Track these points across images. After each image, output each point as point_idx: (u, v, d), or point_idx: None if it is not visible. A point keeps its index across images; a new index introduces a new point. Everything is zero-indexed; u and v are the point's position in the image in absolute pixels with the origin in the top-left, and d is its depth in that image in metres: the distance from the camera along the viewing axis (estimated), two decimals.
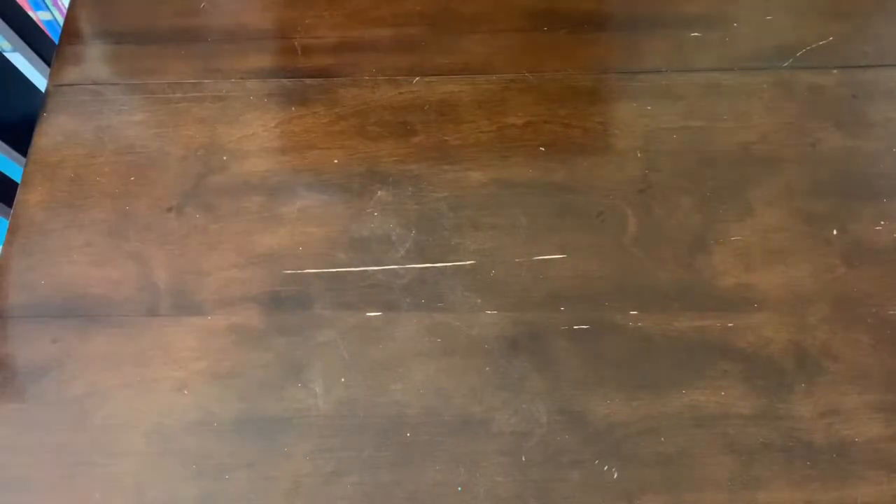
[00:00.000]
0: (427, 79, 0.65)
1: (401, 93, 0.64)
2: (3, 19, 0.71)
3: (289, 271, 0.57)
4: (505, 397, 0.52)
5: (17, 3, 0.74)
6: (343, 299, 0.56)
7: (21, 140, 0.68)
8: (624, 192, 0.59)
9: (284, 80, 0.65)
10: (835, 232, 0.58)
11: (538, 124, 0.63)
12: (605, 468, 0.50)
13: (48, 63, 0.73)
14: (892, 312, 0.54)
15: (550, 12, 0.68)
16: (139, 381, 0.54)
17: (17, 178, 0.64)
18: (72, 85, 0.66)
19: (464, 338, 0.54)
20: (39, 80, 0.73)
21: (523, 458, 0.50)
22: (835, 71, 0.64)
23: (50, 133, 0.64)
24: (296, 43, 0.67)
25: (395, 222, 0.59)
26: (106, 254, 0.58)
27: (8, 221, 0.61)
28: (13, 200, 0.61)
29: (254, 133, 0.63)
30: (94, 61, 0.67)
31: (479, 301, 0.55)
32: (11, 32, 0.72)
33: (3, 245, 0.59)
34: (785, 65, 0.65)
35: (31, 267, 0.58)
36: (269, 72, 0.66)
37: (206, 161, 0.62)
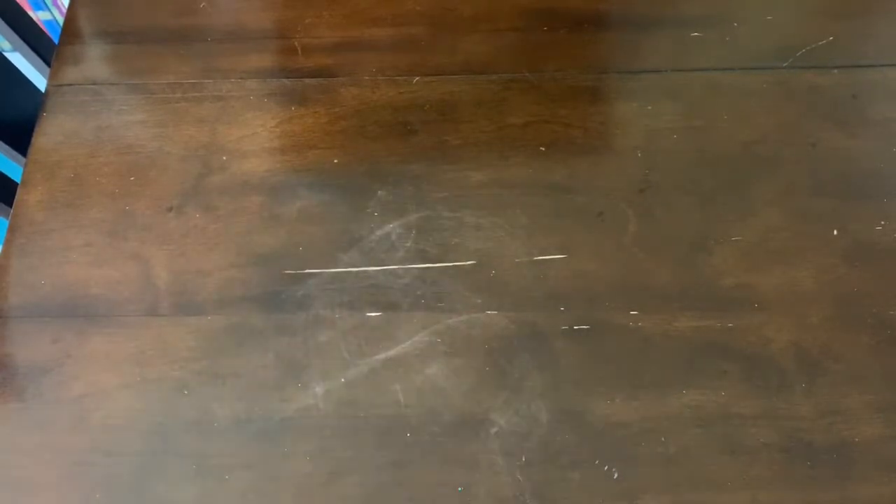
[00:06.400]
0: (427, 79, 0.65)
1: (401, 93, 0.64)
2: (3, 19, 0.71)
3: (289, 271, 0.57)
4: (505, 397, 0.52)
5: (17, 3, 0.74)
6: (343, 299, 0.56)
7: (21, 140, 0.68)
8: (624, 192, 0.59)
9: (284, 80, 0.65)
10: (835, 232, 0.58)
11: (538, 124, 0.62)
12: (606, 468, 0.50)
13: (48, 63, 0.73)
14: (892, 312, 0.54)
15: (550, 12, 0.68)
16: (139, 381, 0.54)
17: (17, 178, 0.64)
18: (71, 85, 0.66)
19: (464, 338, 0.54)
20: (39, 80, 0.73)
21: (523, 458, 0.50)
22: (835, 71, 0.64)
23: (50, 133, 0.64)
24: (296, 43, 0.67)
25: (395, 222, 0.59)
26: (106, 254, 0.58)
27: (8, 221, 0.61)
28: (13, 200, 0.61)
29: (254, 133, 0.63)
30: (93, 61, 0.67)
31: (479, 301, 0.55)
32: (11, 32, 0.72)
33: (3, 245, 0.59)
34: (785, 65, 0.65)
35: (31, 267, 0.58)
36: (269, 72, 0.66)
37: (206, 161, 0.62)
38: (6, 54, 0.73)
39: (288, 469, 0.51)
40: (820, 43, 0.66)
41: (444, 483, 0.50)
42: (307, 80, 0.65)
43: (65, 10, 0.71)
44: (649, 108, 0.63)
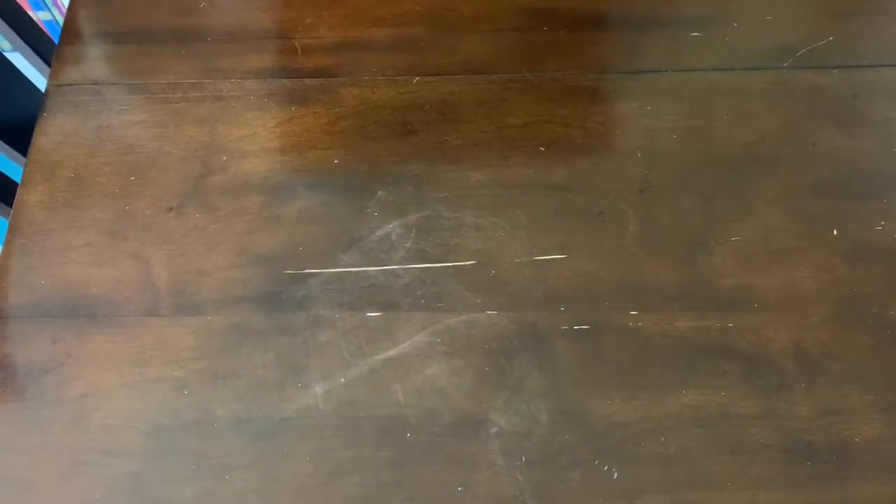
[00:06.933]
0: (427, 79, 0.65)
1: (401, 93, 0.64)
2: (3, 19, 0.71)
3: (289, 271, 0.57)
4: (505, 397, 0.52)
5: (17, 3, 0.74)
6: (343, 299, 0.56)
7: (21, 140, 0.68)
8: (624, 192, 0.59)
9: (284, 80, 0.65)
10: (835, 232, 0.58)
11: (538, 124, 0.62)
12: (605, 468, 0.50)
13: (48, 63, 0.73)
14: (892, 312, 0.54)
15: (550, 12, 0.68)
16: (139, 381, 0.54)
17: (17, 178, 0.64)
18: (72, 85, 0.66)
19: (464, 338, 0.54)
20: (39, 80, 0.73)
21: (523, 458, 0.50)
22: (835, 71, 0.64)
23: (50, 133, 0.64)
24: (296, 43, 0.67)
25: (395, 222, 0.59)
26: (106, 254, 0.58)
27: (8, 221, 0.61)
28: (13, 200, 0.61)
29: (254, 133, 0.63)
30: (93, 61, 0.67)
31: (479, 301, 0.55)
32: (11, 32, 0.72)
33: (3, 245, 0.59)
34: (785, 65, 0.65)
35: (31, 267, 0.58)
36: (269, 72, 0.66)
37: (206, 161, 0.62)
38: (6, 54, 0.73)
39: (288, 469, 0.51)
40: (820, 43, 0.66)
41: (444, 483, 0.50)
42: (307, 80, 0.65)
43: (65, 10, 0.71)
44: (649, 108, 0.63)
